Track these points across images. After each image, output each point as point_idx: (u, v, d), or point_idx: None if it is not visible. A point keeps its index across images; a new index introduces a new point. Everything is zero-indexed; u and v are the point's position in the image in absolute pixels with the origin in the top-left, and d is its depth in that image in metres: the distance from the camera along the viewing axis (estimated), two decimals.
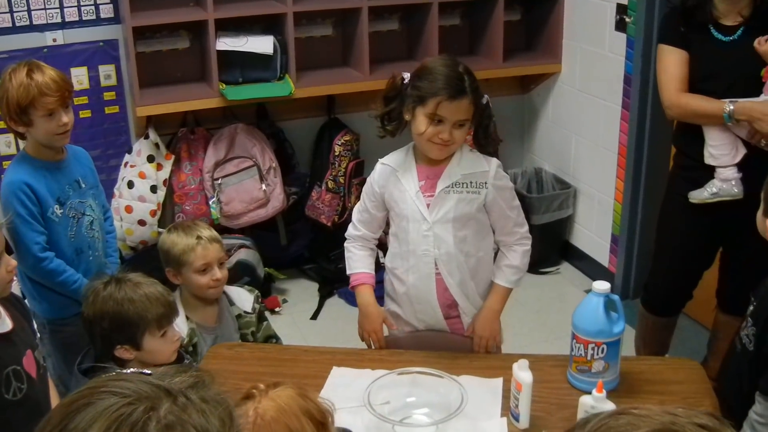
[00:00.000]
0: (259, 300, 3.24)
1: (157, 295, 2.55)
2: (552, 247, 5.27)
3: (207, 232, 3.03)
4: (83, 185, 3.14)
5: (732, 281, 3.51)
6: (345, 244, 2.96)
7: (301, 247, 5.12)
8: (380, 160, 2.83)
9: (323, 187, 4.88)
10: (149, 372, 1.03)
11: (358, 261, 2.91)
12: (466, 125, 2.66)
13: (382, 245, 3.10)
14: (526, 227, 2.91)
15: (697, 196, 3.24)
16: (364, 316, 2.87)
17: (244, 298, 3.18)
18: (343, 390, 2.55)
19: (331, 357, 2.79)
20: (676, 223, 3.46)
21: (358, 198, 4.94)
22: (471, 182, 2.73)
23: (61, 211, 3.04)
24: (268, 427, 1.71)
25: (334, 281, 4.97)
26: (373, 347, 2.86)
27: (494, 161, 2.78)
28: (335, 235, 4.99)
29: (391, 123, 2.76)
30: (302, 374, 2.69)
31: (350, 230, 2.95)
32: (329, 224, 4.86)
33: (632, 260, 4.75)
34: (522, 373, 2.38)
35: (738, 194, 3.15)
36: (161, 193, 4.52)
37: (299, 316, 4.78)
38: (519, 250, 2.87)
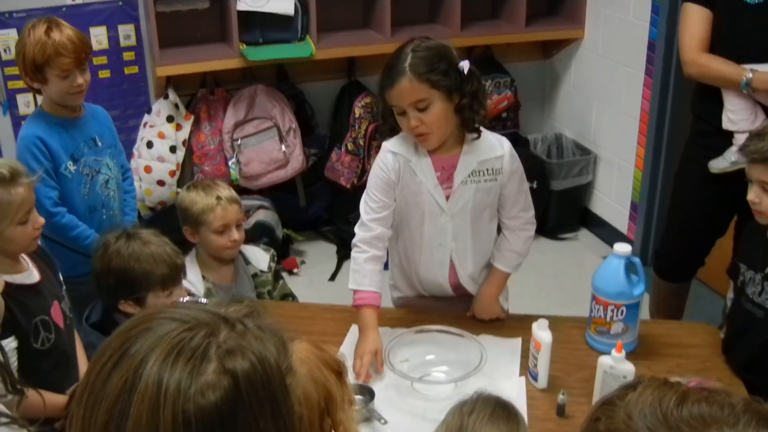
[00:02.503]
0: (275, 259, 3.22)
1: (164, 256, 2.51)
2: (571, 213, 5.26)
3: (226, 192, 3.00)
4: (100, 143, 3.14)
5: None
6: (353, 253, 2.67)
7: (320, 209, 5.12)
8: (388, 147, 2.63)
9: (343, 149, 4.88)
10: (205, 300, 1.05)
11: (365, 277, 2.62)
12: (431, 106, 2.44)
13: None
14: (532, 212, 2.78)
15: (717, 165, 3.20)
16: (362, 339, 2.56)
17: (260, 257, 3.17)
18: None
19: (350, 315, 2.79)
20: (691, 190, 3.43)
21: None
22: (487, 169, 2.61)
23: (75, 167, 3.04)
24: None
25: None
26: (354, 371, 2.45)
27: (506, 143, 2.65)
28: (354, 197, 4.94)
29: (391, 130, 2.63)
30: (321, 331, 2.70)
31: (361, 233, 2.64)
32: (348, 186, 4.86)
33: (651, 227, 4.73)
34: (541, 332, 2.39)
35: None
36: (180, 153, 4.53)
37: (317, 278, 4.80)
38: (522, 235, 2.77)
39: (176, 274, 2.54)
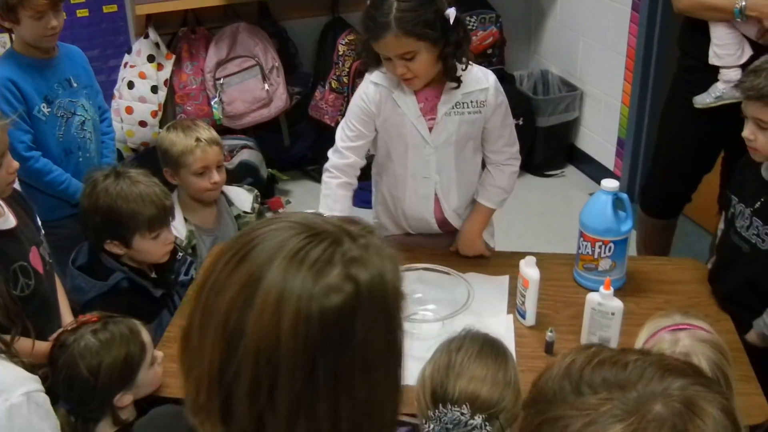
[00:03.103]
0: (259, 200, 3.19)
1: (152, 196, 2.47)
2: (557, 150, 5.24)
3: (206, 133, 2.95)
4: (75, 84, 3.07)
5: None
6: (324, 178, 2.67)
7: (305, 148, 5.08)
8: (370, 78, 2.60)
9: (327, 87, 4.81)
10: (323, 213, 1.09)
11: (337, 202, 2.62)
12: (417, 56, 2.41)
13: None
14: (517, 147, 2.76)
15: (701, 101, 3.17)
16: None
17: (243, 198, 3.14)
18: None
19: None
20: (677, 126, 3.40)
21: None
22: (471, 101, 2.58)
23: (49, 109, 2.98)
24: None
25: None
26: None
27: (491, 76, 2.62)
28: None
29: (374, 63, 2.59)
30: None
31: (334, 159, 2.65)
32: (333, 124, 4.80)
33: (638, 164, 4.71)
34: (529, 269, 2.38)
35: (741, 97, 3.08)
36: (162, 93, 4.45)
37: None
38: (506, 170, 2.75)
39: (164, 215, 2.51)
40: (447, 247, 2.80)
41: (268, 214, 4.31)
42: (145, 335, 2.10)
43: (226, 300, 0.99)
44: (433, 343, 1.85)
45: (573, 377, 0.96)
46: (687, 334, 1.78)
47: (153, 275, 2.57)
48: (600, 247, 2.50)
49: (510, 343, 2.35)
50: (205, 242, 2.96)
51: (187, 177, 2.91)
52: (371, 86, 2.59)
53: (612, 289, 2.23)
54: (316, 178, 5.06)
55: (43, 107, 2.95)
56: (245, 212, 3.10)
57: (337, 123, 4.69)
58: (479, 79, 2.60)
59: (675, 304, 2.52)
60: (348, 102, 4.70)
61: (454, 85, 2.55)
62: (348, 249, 1.01)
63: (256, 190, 3.22)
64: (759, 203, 2.37)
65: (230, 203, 3.09)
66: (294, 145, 5.00)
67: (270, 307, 0.96)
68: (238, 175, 4.45)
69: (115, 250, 2.45)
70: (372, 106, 2.58)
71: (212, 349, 1.00)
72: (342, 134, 2.67)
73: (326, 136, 4.88)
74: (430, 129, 2.59)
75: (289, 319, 0.96)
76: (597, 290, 2.31)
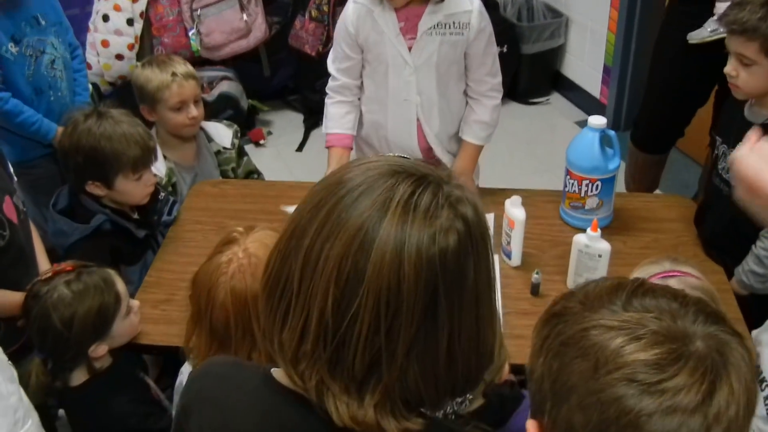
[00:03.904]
0: (239, 135, 3.12)
1: (136, 136, 2.40)
2: (542, 77, 5.16)
3: (182, 67, 2.87)
4: (43, 22, 2.95)
5: None
6: (325, 100, 2.75)
7: (285, 77, 4.98)
8: None
9: (306, 16, 4.69)
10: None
11: (331, 120, 2.72)
12: None
13: None
14: (499, 79, 2.70)
15: (696, 35, 3.08)
16: (326, 173, 2.66)
17: (222, 133, 3.07)
18: None
19: None
20: (671, 60, 3.31)
21: None
22: (454, 23, 2.51)
23: (17, 49, 2.86)
24: (262, 263, 1.69)
25: (319, 112, 4.83)
26: None
27: (476, 0, 2.55)
28: (320, 65, 4.81)
29: None
30: None
31: (330, 83, 2.71)
32: (313, 54, 4.71)
33: (624, 91, 4.64)
34: (515, 209, 2.33)
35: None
36: (138, 26, 4.30)
37: (284, 149, 4.71)
38: (489, 104, 2.70)
39: (148, 156, 2.45)
40: None
41: (249, 147, 4.25)
42: (120, 285, 2.05)
43: (337, 248, 0.99)
44: None
45: (619, 294, 0.96)
46: (677, 281, 1.75)
47: (135, 216, 2.52)
48: (587, 185, 2.45)
49: (496, 284, 2.31)
50: (185, 179, 2.90)
51: (164, 113, 2.84)
52: (351, 5, 2.57)
53: (599, 231, 2.19)
54: (297, 108, 5.00)
55: (11, 47, 2.84)
56: (225, 148, 3.03)
57: (318, 52, 4.68)
58: (463, 1, 2.54)
59: (663, 243, 2.50)
60: (328, 31, 4.64)
61: (438, 3, 2.49)
62: (450, 190, 1.03)
63: (235, 126, 3.14)
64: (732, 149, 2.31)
65: (210, 139, 3.02)
66: (274, 75, 4.90)
67: (389, 254, 0.98)
68: (218, 107, 4.37)
69: (97, 192, 2.39)
70: (351, 27, 2.56)
71: (322, 296, 1.00)
72: (332, 56, 2.70)
73: (307, 66, 4.82)
74: (410, 49, 2.54)
75: (411, 263, 0.97)
76: (584, 229, 2.28)
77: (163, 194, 2.62)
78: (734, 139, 2.32)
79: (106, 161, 2.35)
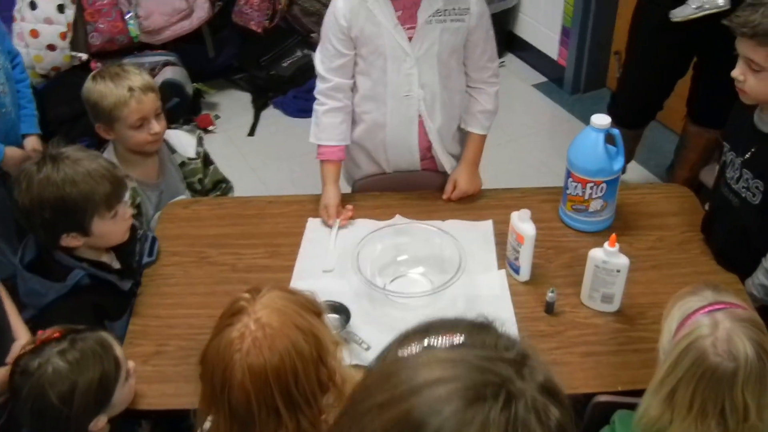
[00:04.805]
0: (202, 142, 2.90)
1: (102, 171, 2.15)
2: (496, 38, 4.97)
3: (138, 79, 2.59)
4: None
5: (704, 91, 3.33)
6: (314, 105, 2.56)
7: (230, 56, 4.72)
8: None
9: None
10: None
11: (324, 131, 2.54)
12: None
13: None
14: (497, 62, 2.64)
15: (679, 13, 2.97)
16: (323, 193, 2.53)
17: (185, 142, 2.83)
18: (324, 247, 2.41)
19: (300, 207, 2.56)
20: (650, 35, 3.20)
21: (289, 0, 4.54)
22: (454, 8, 2.38)
23: None
24: (279, 334, 1.53)
25: (267, 90, 4.66)
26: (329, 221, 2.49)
27: None
28: (266, 41, 4.63)
29: None
30: (273, 232, 2.47)
31: (319, 86, 2.53)
32: (260, 30, 4.48)
33: (584, 53, 4.51)
34: (524, 225, 2.18)
35: (724, 5, 2.87)
36: (70, 12, 3.99)
37: (235, 133, 4.48)
38: (491, 91, 2.62)
39: (119, 189, 2.20)
40: (427, 185, 2.67)
41: (198, 132, 4.01)
42: (117, 348, 1.86)
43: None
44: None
45: None
46: (725, 315, 1.63)
47: (116, 266, 2.29)
48: (591, 188, 2.32)
49: (506, 303, 2.18)
50: (151, 198, 2.66)
51: (123, 131, 2.58)
52: None
53: (617, 246, 2.05)
54: (244, 87, 4.79)
55: None
56: (190, 158, 2.81)
57: (264, 29, 4.43)
58: None
59: (669, 241, 2.40)
60: (274, 5, 4.41)
61: None
62: (519, 390, 0.91)
63: (199, 131, 2.93)
64: (749, 153, 2.17)
65: (172, 150, 2.78)
66: (219, 54, 4.65)
67: None
68: (162, 96, 4.06)
69: (74, 243, 2.14)
70: (343, 20, 2.39)
71: None
72: (320, 57, 2.51)
73: (252, 43, 4.63)
74: (410, 39, 2.40)
75: None
76: (587, 232, 2.19)
77: (141, 231, 2.40)
78: (743, 147, 2.20)
79: (77, 208, 2.10)
